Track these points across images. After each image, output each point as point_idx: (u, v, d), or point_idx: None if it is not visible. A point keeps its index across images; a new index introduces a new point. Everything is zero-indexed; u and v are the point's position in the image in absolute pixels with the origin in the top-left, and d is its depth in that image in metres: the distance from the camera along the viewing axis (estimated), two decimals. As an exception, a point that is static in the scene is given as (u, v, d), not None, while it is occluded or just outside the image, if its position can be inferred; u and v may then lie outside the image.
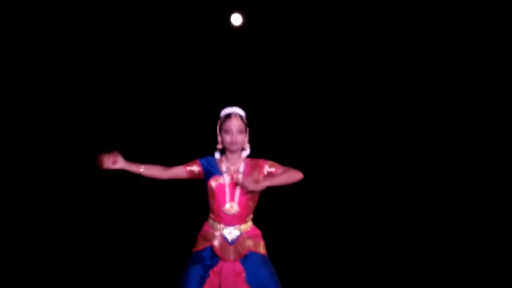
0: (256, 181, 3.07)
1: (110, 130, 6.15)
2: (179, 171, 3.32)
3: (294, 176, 3.22)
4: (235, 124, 3.28)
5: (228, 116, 3.31)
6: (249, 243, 3.29)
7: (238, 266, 3.25)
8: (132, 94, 6.24)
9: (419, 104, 6.30)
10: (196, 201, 5.94)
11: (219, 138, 3.34)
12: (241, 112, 3.37)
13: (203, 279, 3.22)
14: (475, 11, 5.83)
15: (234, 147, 3.29)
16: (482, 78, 6.06)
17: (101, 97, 6.19)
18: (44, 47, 5.94)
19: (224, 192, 3.26)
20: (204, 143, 5.76)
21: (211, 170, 3.31)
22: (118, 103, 6.24)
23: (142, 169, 3.24)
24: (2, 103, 5.95)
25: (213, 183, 3.28)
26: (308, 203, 6.27)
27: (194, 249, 3.34)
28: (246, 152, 3.39)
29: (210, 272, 3.24)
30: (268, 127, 5.99)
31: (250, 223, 3.35)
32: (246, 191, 3.13)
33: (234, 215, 3.25)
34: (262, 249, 3.34)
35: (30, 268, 5.10)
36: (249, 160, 3.37)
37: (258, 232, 3.38)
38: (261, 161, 3.34)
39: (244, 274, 3.24)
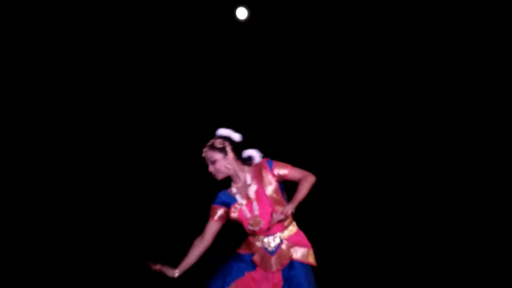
0: (282, 212, 2.93)
1: (110, 131, 6.15)
2: (214, 226, 3.20)
3: (311, 182, 3.09)
4: (207, 157, 3.15)
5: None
6: (292, 251, 3.13)
7: (278, 277, 3.10)
8: (133, 94, 6.24)
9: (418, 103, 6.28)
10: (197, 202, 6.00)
11: None
12: (218, 133, 3.20)
13: (237, 275, 3.10)
14: (476, 11, 5.83)
15: (217, 177, 3.17)
16: (482, 79, 6.05)
17: (101, 96, 6.19)
18: (45, 47, 5.94)
19: (244, 213, 3.12)
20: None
21: (227, 202, 3.18)
22: (118, 104, 6.23)
23: (189, 260, 3.16)
24: (2, 103, 5.95)
25: (233, 213, 3.15)
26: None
27: (237, 250, 3.25)
28: (255, 159, 3.22)
29: (246, 273, 3.11)
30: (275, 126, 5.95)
31: (291, 228, 3.18)
32: (275, 220, 2.99)
33: (262, 227, 3.10)
34: (311, 258, 3.17)
35: (32, 268, 5.11)
36: (253, 168, 3.19)
37: (303, 238, 3.20)
38: (264, 163, 3.17)
39: (281, 285, 3.09)
